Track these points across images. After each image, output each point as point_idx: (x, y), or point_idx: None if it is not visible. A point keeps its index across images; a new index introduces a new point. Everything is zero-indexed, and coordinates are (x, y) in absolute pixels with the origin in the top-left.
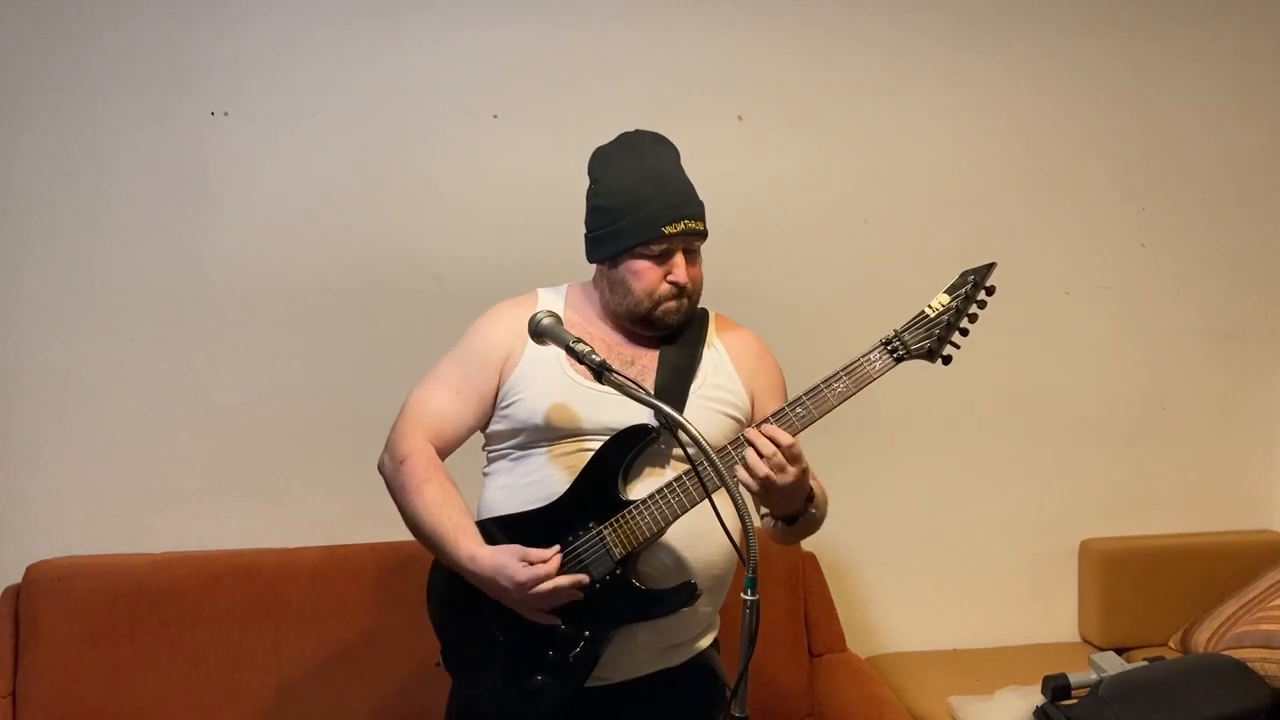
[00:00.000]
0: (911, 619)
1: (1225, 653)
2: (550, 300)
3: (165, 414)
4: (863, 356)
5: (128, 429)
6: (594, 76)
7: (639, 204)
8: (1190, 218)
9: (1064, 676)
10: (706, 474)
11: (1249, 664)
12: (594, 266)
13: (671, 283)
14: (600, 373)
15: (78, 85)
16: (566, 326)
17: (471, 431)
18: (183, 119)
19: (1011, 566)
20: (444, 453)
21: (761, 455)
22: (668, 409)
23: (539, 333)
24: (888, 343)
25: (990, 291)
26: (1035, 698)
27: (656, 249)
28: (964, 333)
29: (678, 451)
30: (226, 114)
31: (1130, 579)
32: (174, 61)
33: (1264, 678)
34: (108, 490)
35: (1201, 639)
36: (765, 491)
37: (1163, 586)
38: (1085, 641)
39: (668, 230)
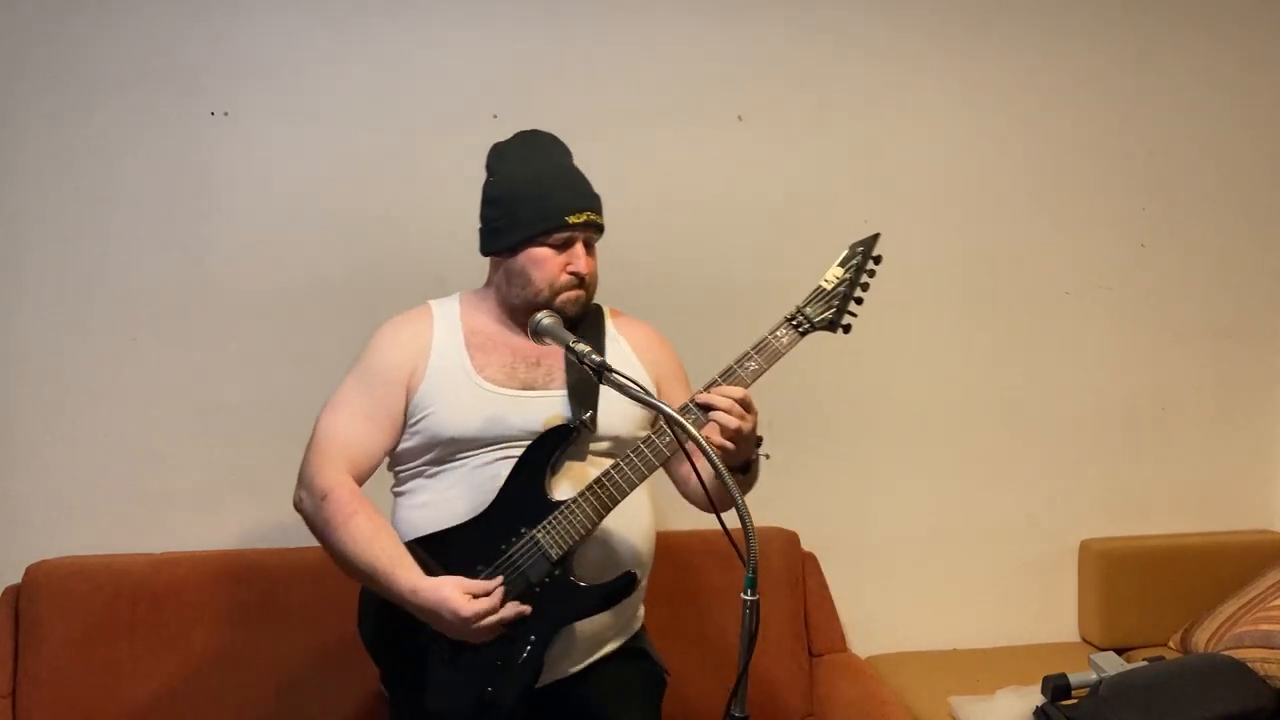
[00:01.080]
0: (911, 619)
1: (1225, 653)
2: (445, 310)
3: (165, 414)
4: (770, 334)
5: (128, 429)
6: (594, 76)
7: (541, 194)
8: (1190, 218)
9: (1064, 676)
10: (698, 460)
11: (1249, 664)
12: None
13: (572, 273)
14: (600, 373)
15: (78, 85)
16: (464, 330)
17: (386, 455)
18: (183, 119)
19: (1011, 566)
20: (361, 480)
21: (722, 409)
22: (667, 408)
23: (539, 332)
24: (791, 318)
25: (878, 260)
26: (1035, 698)
27: (559, 238)
28: (859, 301)
29: (595, 446)
30: (226, 114)
31: (1130, 579)
32: (174, 61)
33: (1264, 678)
34: (108, 490)
35: (1201, 639)
36: (735, 443)
37: (1163, 586)
38: (1085, 641)
39: (571, 220)
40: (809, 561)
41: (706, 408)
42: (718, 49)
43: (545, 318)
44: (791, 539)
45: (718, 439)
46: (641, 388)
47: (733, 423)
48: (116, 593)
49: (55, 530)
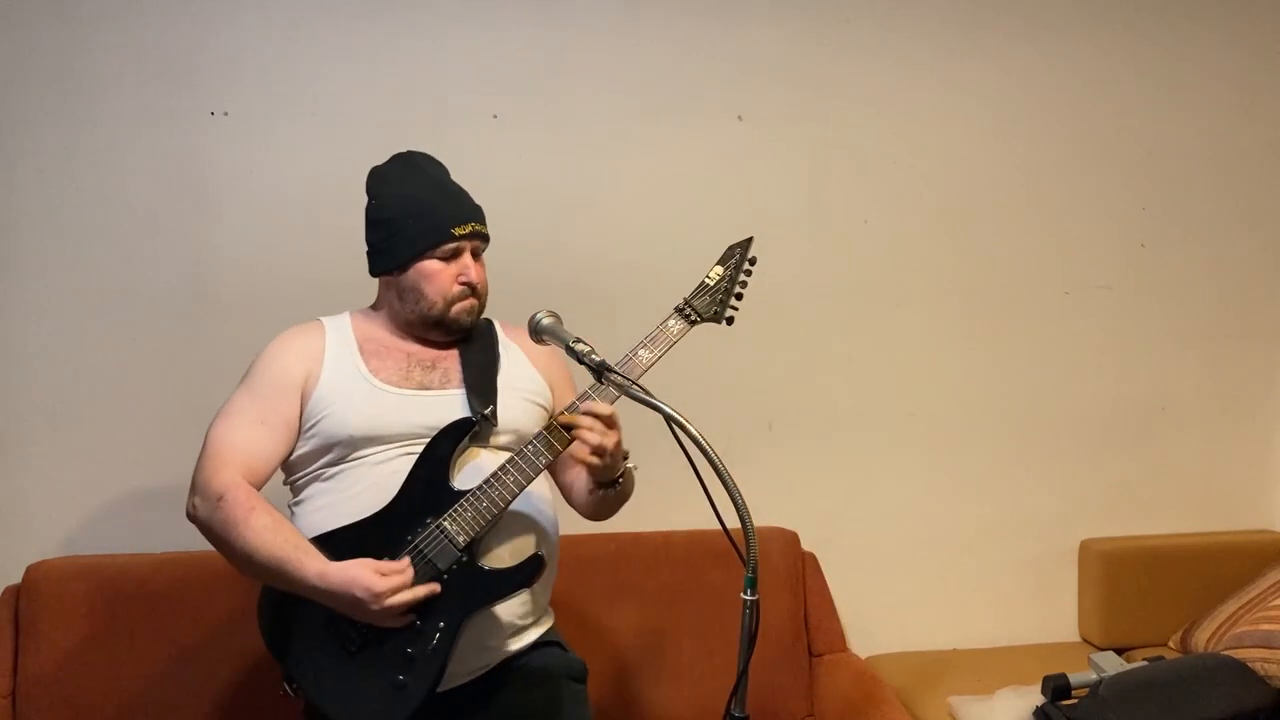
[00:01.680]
0: (911, 619)
1: (1225, 653)
2: (336, 324)
3: (165, 414)
4: (661, 324)
5: (128, 429)
6: (594, 77)
7: (426, 210)
8: (1190, 218)
9: (1064, 676)
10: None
11: (1249, 664)
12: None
13: (464, 283)
14: (600, 372)
15: (78, 85)
16: (357, 338)
17: (281, 461)
18: (183, 119)
19: (1011, 566)
20: (256, 487)
21: (584, 427)
22: (667, 408)
23: (538, 331)
24: (681, 309)
25: (753, 262)
26: (1035, 698)
27: (447, 249)
28: (739, 297)
29: (497, 441)
30: (226, 114)
31: (1130, 579)
32: (174, 61)
33: (1264, 678)
34: (108, 490)
35: (1201, 639)
36: (599, 458)
37: (1163, 586)
38: (1085, 641)
39: (457, 231)
40: (809, 561)
41: (569, 427)
42: (718, 49)
43: (545, 317)
44: (791, 539)
45: (582, 454)
46: (641, 388)
47: (594, 439)
48: (116, 593)
49: (55, 530)
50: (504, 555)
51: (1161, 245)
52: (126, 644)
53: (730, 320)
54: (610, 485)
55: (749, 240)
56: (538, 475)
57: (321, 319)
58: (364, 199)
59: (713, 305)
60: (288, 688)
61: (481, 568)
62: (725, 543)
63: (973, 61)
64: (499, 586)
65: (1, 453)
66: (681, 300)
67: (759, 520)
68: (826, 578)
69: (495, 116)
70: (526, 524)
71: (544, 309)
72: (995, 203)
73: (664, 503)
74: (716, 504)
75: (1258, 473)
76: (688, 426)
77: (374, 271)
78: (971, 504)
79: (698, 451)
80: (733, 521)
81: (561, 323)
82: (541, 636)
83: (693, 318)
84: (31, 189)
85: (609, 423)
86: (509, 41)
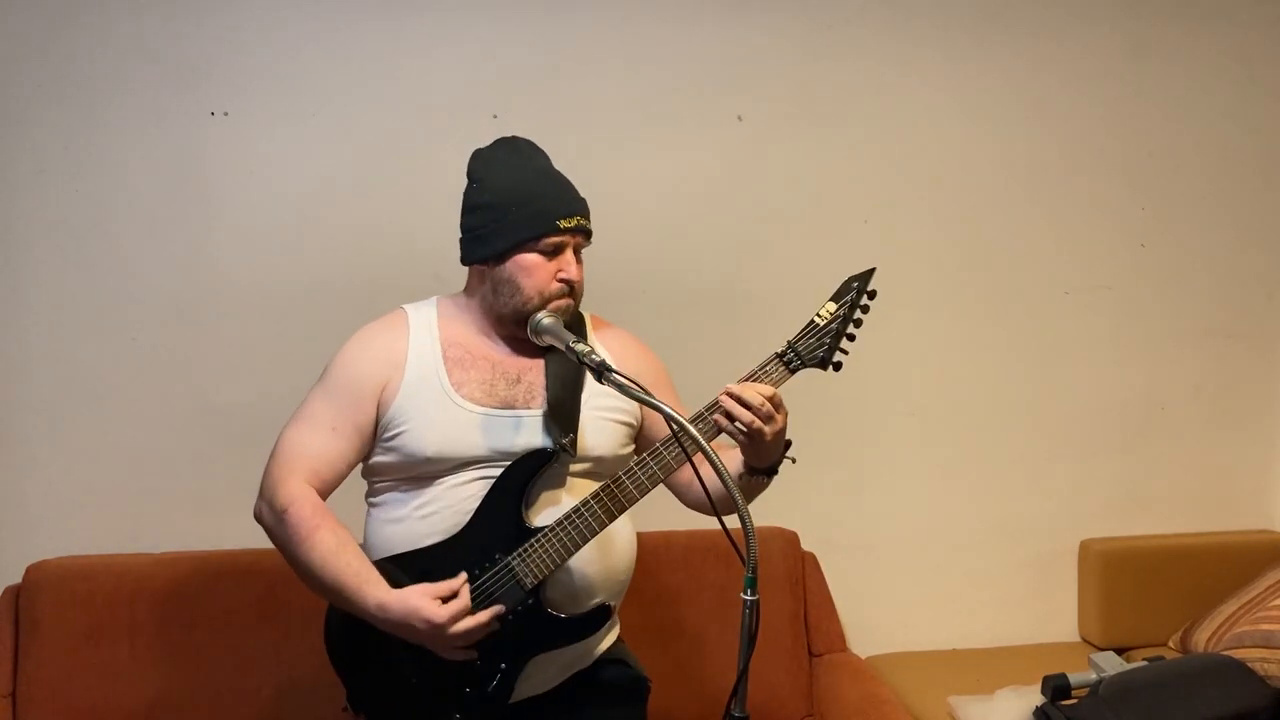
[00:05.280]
0: (911, 619)
1: (1225, 653)
2: (421, 318)
3: (165, 414)
4: (760, 369)
5: (128, 429)
6: (594, 76)
7: (530, 198)
8: (1190, 218)
9: (1064, 676)
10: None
11: (1249, 664)
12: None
13: (563, 280)
14: (600, 374)
15: (78, 85)
16: (441, 341)
17: (352, 468)
18: (183, 119)
19: (1011, 566)
20: (324, 494)
21: (750, 407)
22: (667, 409)
23: (539, 331)
24: (782, 354)
25: (872, 296)
26: (1035, 698)
27: (550, 243)
28: (850, 338)
29: (575, 468)
30: (226, 114)
31: (1130, 579)
32: (174, 61)
33: (1264, 678)
34: (108, 490)
35: (1201, 639)
36: (751, 441)
37: (1163, 586)
38: (1085, 641)
39: (562, 224)
40: (809, 561)
41: (730, 409)
42: (718, 49)
43: (545, 317)
44: (791, 539)
45: (730, 426)
46: (642, 388)
47: (746, 416)
48: (116, 593)
49: (55, 530)
50: (569, 597)
51: (1161, 245)
52: (126, 644)
53: (838, 366)
54: (766, 473)
55: (869, 272)
56: (613, 521)
57: (406, 309)
58: (365, 199)
59: (818, 348)
60: (349, 706)
61: (547, 613)
62: (725, 543)
63: (973, 62)
64: (562, 635)
65: (1, 453)
66: (785, 344)
67: (759, 520)
68: (826, 578)
69: (495, 116)
70: (597, 565)
71: (543, 310)
72: (995, 203)
73: (664, 503)
74: (720, 510)
75: (1258, 473)
76: (688, 426)
77: (468, 259)
78: (971, 504)
79: (698, 451)
80: (733, 522)
81: (561, 323)
82: (603, 654)
83: (794, 364)
84: (31, 189)
85: (776, 404)
86: (509, 41)
